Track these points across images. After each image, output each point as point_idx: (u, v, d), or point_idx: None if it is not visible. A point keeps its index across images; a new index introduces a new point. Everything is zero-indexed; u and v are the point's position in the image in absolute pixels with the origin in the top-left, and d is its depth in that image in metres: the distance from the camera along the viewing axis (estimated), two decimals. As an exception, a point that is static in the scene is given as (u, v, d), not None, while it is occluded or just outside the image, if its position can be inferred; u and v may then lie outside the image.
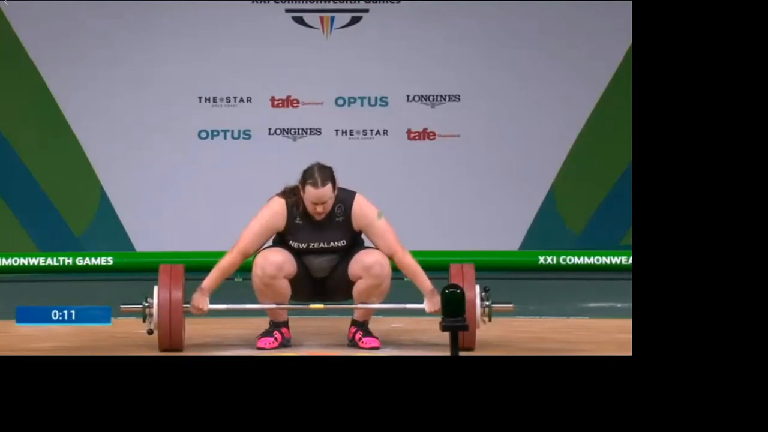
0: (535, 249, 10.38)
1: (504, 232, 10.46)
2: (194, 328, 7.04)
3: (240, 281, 7.23)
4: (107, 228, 10.32)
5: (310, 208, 6.47)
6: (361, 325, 6.70)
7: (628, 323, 7.81)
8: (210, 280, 6.50)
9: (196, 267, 10.06)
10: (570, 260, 10.15)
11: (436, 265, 10.05)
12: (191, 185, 10.42)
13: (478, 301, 6.48)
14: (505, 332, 7.33)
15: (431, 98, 10.56)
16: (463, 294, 5.19)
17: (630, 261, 10.06)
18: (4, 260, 10.02)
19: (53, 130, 10.26)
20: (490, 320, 6.54)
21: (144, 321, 6.54)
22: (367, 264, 6.55)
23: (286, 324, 6.70)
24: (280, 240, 6.58)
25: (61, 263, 10.04)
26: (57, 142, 10.27)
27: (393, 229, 6.60)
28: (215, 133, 10.55)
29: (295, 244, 6.52)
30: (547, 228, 10.50)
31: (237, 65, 10.41)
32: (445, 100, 10.58)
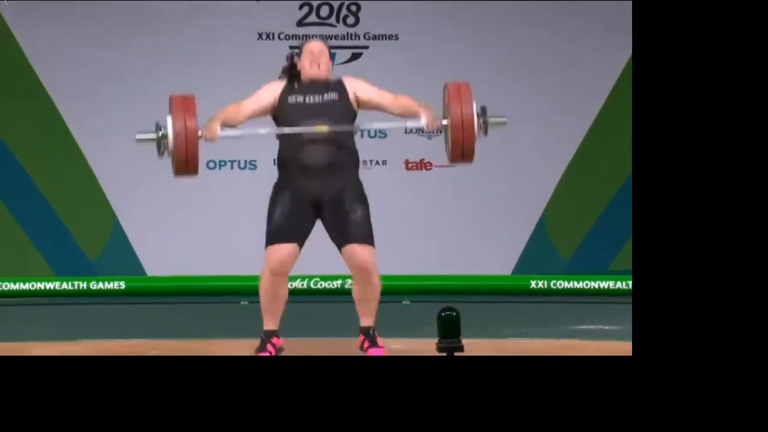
0: (527, 274, 10.38)
1: (497, 258, 10.46)
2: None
3: (246, 304, 7.22)
4: (120, 253, 10.32)
5: (309, 63, 6.33)
6: (368, 333, 6.64)
7: (616, 345, 7.83)
8: (220, 112, 6.44)
9: (205, 291, 10.11)
10: (560, 285, 10.16)
11: (432, 289, 10.11)
12: (200, 213, 10.43)
13: (475, 116, 6.51)
14: (498, 351, 7.32)
15: (428, 130, 10.56)
16: (458, 317, 5.19)
17: (618, 286, 10.08)
18: (21, 284, 10.02)
19: (68, 160, 10.28)
20: (486, 134, 6.58)
21: (159, 150, 6.44)
22: (353, 264, 6.47)
23: (276, 333, 6.68)
24: (279, 106, 6.39)
25: (76, 287, 10.05)
26: (72, 171, 10.29)
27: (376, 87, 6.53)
28: (222, 164, 10.56)
29: (292, 99, 6.35)
30: (538, 254, 10.51)
31: (244, 98, 10.40)
32: (441, 132, 10.57)
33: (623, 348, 7.72)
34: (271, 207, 6.54)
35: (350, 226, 6.40)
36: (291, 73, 6.38)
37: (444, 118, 6.65)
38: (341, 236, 6.44)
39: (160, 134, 6.41)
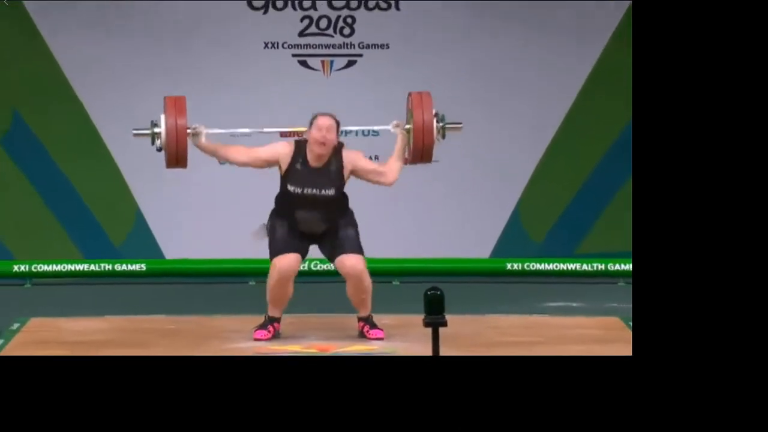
0: (503, 257, 10.39)
1: (476, 243, 10.47)
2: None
3: (254, 284, 7.25)
4: (141, 239, 10.33)
5: (315, 139, 6.45)
6: (367, 319, 6.73)
7: (582, 320, 7.88)
8: (221, 146, 6.64)
9: (216, 273, 10.12)
10: (533, 266, 10.16)
11: (418, 271, 10.10)
12: (213, 202, 10.43)
13: (434, 121, 6.75)
14: (479, 328, 7.36)
15: (415, 129, 10.56)
16: (442, 295, 5.21)
17: (584, 267, 10.08)
18: (55, 266, 10.02)
19: (97, 157, 10.28)
20: (443, 138, 6.76)
21: (153, 143, 6.59)
22: (345, 272, 6.61)
23: (279, 320, 6.73)
24: (282, 187, 6.51)
25: (102, 269, 10.04)
26: (100, 167, 10.29)
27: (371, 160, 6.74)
28: (232, 160, 10.54)
29: (292, 188, 6.47)
30: (513, 239, 10.52)
31: (250, 101, 10.42)
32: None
33: (589, 323, 7.77)
34: (271, 230, 6.63)
35: (341, 241, 6.57)
36: (300, 146, 6.56)
37: (407, 123, 6.76)
38: (334, 250, 6.60)
39: (154, 130, 6.53)
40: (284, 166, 6.58)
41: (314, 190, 6.53)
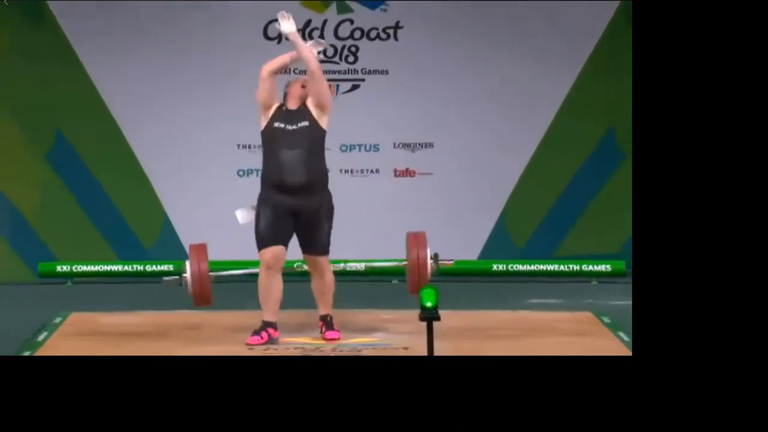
0: (489, 259, 10.40)
1: (465, 246, 10.46)
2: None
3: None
4: (169, 242, 10.33)
5: (297, 91, 6.64)
6: (325, 319, 6.63)
7: (560, 314, 7.90)
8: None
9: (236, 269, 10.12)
10: (516, 268, 10.17)
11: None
12: (231, 210, 10.41)
13: (429, 259, 6.86)
14: (469, 322, 7.37)
15: (412, 145, 10.59)
16: (437, 291, 5.22)
17: (561, 268, 10.08)
18: (92, 267, 10.03)
19: (129, 170, 10.28)
20: (438, 273, 6.89)
21: (181, 285, 6.67)
22: (310, 267, 6.61)
23: (274, 325, 6.59)
24: (267, 128, 6.59)
25: (134, 269, 10.05)
26: (132, 179, 10.30)
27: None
28: (250, 172, 10.56)
29: (278, 124, 6.55)
30: (498, 243, 10.52)
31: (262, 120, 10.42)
32: (422, 146, 10.62)
33: (566, 317, 7.78)
34: (256, 219, 6.59)
35: (314, 240, 6.50)
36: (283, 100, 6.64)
37: (406, 259, 6.79)
38: (307, 245, 6.53)
39: (182, 276, 6.71)
40: (274, 108, 6.69)
41: (292, 126, 6.55)
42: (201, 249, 6.85)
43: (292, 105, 6.65)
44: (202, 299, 6.83)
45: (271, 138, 6.58)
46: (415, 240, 6.86)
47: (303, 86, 6.75)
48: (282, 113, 6.64)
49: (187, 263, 6.80)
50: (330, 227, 6.59)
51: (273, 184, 6.53)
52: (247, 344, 6.45)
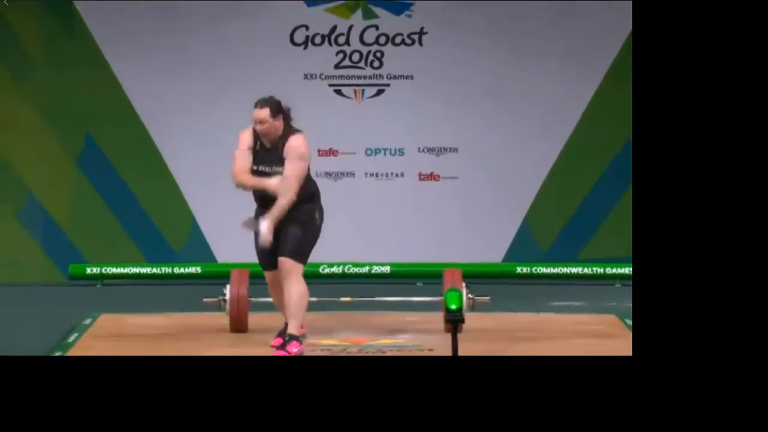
0: (513, 261, 10.39)
1: (490, 249, 10.47)
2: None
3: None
4: (197, 245, 10.38)
5: (257, 129, 6.09)
6: (282, 334, 6.23)
7: (583, 317, 7.88)
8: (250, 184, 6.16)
9: (260, 274, 10.16)
10: (540, 270, 10.15)
11: (436, 273, 10.13)
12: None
13: (464, 293, 6.61)
14: (493, 324, 7.37)
15: (436, 149, 10.60)
16: (460, 294, 5.24)
17: (585, 271, 10.06)
18: (121, 269, 10.09)
19: (158, 174, 10.35)
20: (472, 309, 6.70)
21: (219, 308, 6.70)
22: (280, 273, 6.21)
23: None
24: (252, 167, 6.19)
25: (163, 272, 10.10)
26: (160, 183, 10.35)
27: (297, 172, 6.09)
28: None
29: (254, 167, 6.16)
30: (522, 246, 10.51)
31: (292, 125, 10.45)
32: (447, 151, 10.62)
33: (590, 320, 7.76)
34: (308, 232, 6.23)
35: (283, 243, 6.11)
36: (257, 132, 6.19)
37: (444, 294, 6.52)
38: (278, 249, 6.15)
39: (220, 298, 6.71)
40: (246, 147, 6.27)
41: (266, 168, 6.17)
42: (243, 275, 6.91)
43: (266, 141, 6.19)
44: (238, 325, 6.91)
45: (255, 160, 6.26)
46: (451, 276, 6.89)
47: (260, 122, 6.18)
48: (259, 155, 6.21)
49: (228, 287, 6.88)
50: (305, 236, 6.14)
51: (258, 206, 6.31)
52: (272, 346, 6.28)
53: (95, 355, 5.93)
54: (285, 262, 6.12)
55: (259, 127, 6.09)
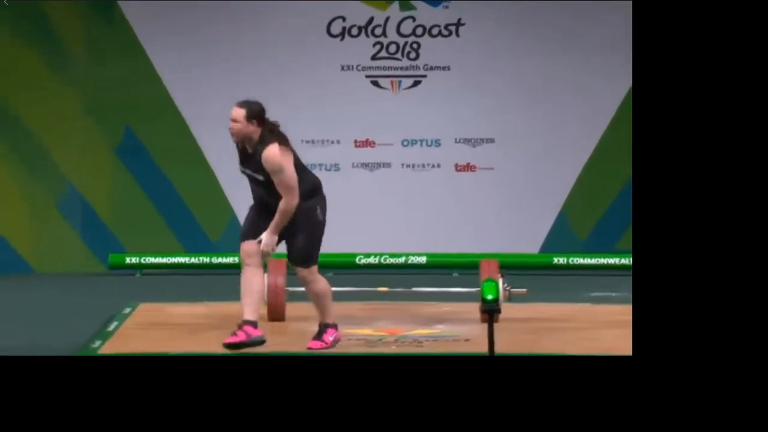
0: (550, 252, 10.35)
1: (527, 240, 10.44)
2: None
3: (331, 275, 7.13)
4: (235, 235, 10.34)
5: (236, 129, 5.85)
6: (319, 326, 6.13)
7: (620, 308, 7.81)
8: (275, 224, 5.90)
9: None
10: (577, 261, 10.11)
11: (473, 264, 10.11)
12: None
13: (500, 285, 6.57)
14: (529, 315, 7.34)
15: (473, 140, 10.56)
16: (497, 285, 5.21)
17: (622, 261, 9.99)
18: (160, 259, 10.14)
19: (196, 164, 10.39)
20: (509, 300, 6.65)
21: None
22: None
23: (252, 323, 5.98)
24: (240, 164, 6.01)
25: (201, 261, 10.14)
26: (199, 173, 10.40)
27: (285, 182, 5.84)
28: (313, 166, 10.49)
29: (240, 167, 6.00)
30: (559, 236, 10.47)
31: (330, 116, 10.48)
32: (483, 142, 10.58)
33: (626, 310, 7.69)
34: (314, 233, 6.05)
35: (293, 254, 5.98)
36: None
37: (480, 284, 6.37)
38: (289, 255, 6.04)
39: None
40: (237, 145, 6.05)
41: (250, 171, 5.98)
42: (280, 265, 6.91)
43: (248, 146, 5.93)
44: (276, 314, 6.93)
45: (242, 164, 6.05)
46: (488, 266, 6.84)
47: (232, 120, 5.90)
48: (243, 155, 5.98)
49: (266, 275, 6.85)
50: (308, 238, 5.92)
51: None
52: (226, 344, 5.89)
53: (128, 353, 5.92)
54: (302, 271, 6.03)
55: (230, 125, 5.92)
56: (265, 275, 6.84)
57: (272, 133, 5.90)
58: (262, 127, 5.89)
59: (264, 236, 5.96)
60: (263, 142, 5.86)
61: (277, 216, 5.87)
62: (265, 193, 5.97)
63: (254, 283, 6.05)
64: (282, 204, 5.88)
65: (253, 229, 6.11)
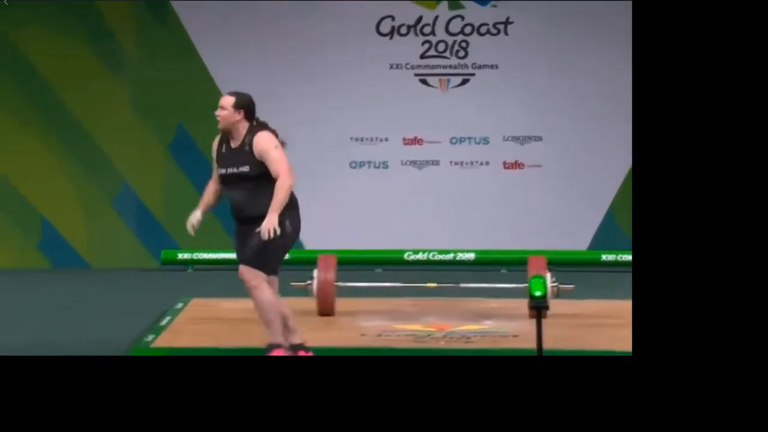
0: (598, 249, 10.31)
1: (575, 237, 10.41)
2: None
3: (380, 271, 7.20)
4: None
5: (224, 119, 5.77)
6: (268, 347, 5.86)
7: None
8: (202, 200, 5.94)
9: (346, 260, 10.24)
10: (625, 258, 10.06)
11: (521, 261, 10.10)
12: (344, 201, 10.54)
13: (548, 281, 6.57)
14: (577, 311, 7.32)
15: (521, 138, 10.55)
16: (545, 281, 5.19)
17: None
18: (211, 255, 10.24)
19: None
20: (557, 296, 6.66)
21: (307, 293, 6.79)
22: None
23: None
24: (215, 166, 5.90)
25: (252, 258, 10.20)
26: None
27: (278, 157, 5.71)
28: (362, 164, 10.65)
29: (220, 170, 5.83)
30: (607, 233, 10.43)
31: (379, 115, 10.52)
32: (531, 139, 10.57)
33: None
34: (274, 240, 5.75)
35: (244, 250, 5.76)
36: (224, 133, 5.86)
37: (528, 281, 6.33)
38: (239, 252, 5.84)
39: (308, 283, 6.78)
40: (215, 155, 5.93)
41: (233, 169, 5.77)
42: (329, 261, 7.00)
43: (233, 141, 5.81)
44: (325, 309, 6.99)
45: (218, 162, 5.90)
46: (536, 263, 6.85)
47: (221, 107, 5.82)
48: (222, 155, 5.84)
49: (315, 271, 6.96)
50: (266, 243, 5.65)
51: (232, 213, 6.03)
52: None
53: (180, 347, 5.96)
54: (240, 270, 5.78)
55: (218, 112, 5.85)
56: (315, 272, 6.90)
57: (263, 126, 5.83)
58: (250, 121, 5.83)
59: (266, 218, 5.66)
60: (252, 132, 5.79)
61: (276, 194, 5.68)
62: (247, 194, 5.76)
63: (275, 304, 5.84)
64: (278, 182, 5.70)
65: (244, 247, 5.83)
